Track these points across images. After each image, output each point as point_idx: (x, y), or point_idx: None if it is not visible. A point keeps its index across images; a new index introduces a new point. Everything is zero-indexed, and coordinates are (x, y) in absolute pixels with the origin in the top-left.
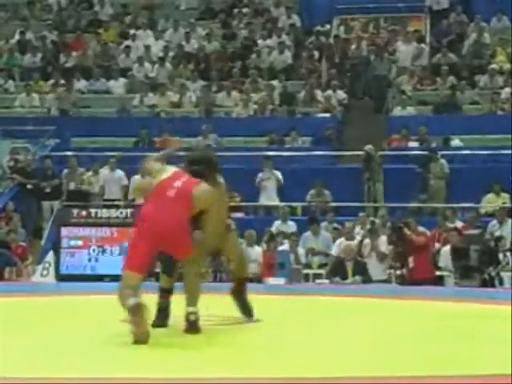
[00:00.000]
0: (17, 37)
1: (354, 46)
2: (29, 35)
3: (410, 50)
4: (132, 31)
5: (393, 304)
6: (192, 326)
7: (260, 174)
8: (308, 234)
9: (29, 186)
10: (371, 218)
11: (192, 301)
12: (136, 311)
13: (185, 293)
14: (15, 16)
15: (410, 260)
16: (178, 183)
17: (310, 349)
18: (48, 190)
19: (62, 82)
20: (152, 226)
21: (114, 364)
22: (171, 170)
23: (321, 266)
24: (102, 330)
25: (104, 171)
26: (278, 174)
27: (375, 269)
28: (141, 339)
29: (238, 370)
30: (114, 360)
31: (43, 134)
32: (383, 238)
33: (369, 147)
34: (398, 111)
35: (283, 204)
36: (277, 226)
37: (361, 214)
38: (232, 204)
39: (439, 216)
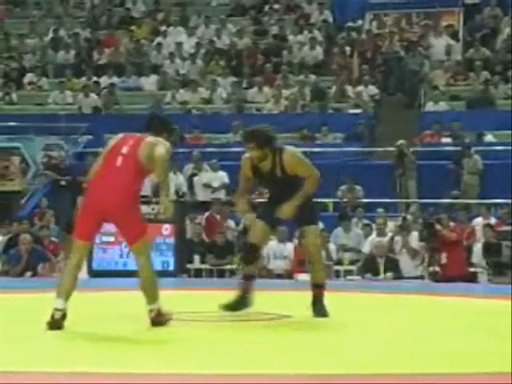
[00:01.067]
0: (50, 34)
1: (386, 42)
2: (62, 33)
3: (442, 45)
4: (164, 28)
5: (425, 301)
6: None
7: None
8: (339, 230)
9: (62, 183)
10: (403, 214)
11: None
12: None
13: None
14: (49, 14)
15: (443, 256)
16: (124, 149)
17: (342, 345)
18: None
19: (95, 79)
20: (96, 198)
21: (146, 358)
22: (120, 135)
23: (352, 263)
24: (133, 326)
25: None
26: None
27: (407, 265)
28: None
29: (276, 366)
30: (147, 354)
31: (76, 131)
32: (415, 235)
33: (401, 143)
34: (430, 106)
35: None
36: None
37: (379, 210)
38: (263, 200)
39: (462, 211)
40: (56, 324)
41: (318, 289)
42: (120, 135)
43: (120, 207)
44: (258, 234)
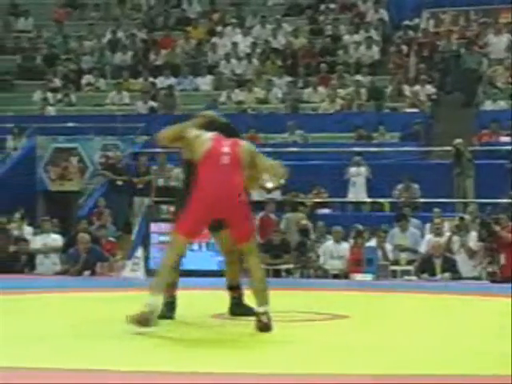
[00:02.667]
0: (108, 36)
1: (443, 40)
2: (120, 34)
3: (503, 42)
4: (219, 28)
5: (481, 301)
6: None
7: (350, 170)
8: (396, 230)
9: (119, 183)
10: (460, 214)
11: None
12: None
13: (256, 290)
14: (107, 16)
15: (502, 257)
16: (225, 149)
17: (396, 346)
18: (140, 186)
19: (151, 80)
20: (210, 195)
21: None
22: (209, 134)
23: (409, 263)
24: (192, 325)
25: None
26: (367, 169)
27: (465, 265)
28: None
29: (327, 367)
30: (202, 354)
31: (133, 131)
32: (473, 235)
33: (458, 142)
34: (488, 105)
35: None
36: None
37: (436, 210)
38: (319, 200)
39: None
40: (149, 320)
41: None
42: (208, 134)
43: (234, 205)
44: None
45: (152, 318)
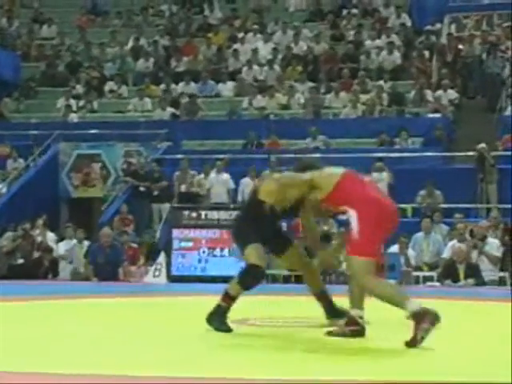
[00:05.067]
0: (130, 43)
1: (466, 45)
2: (142, 41)
3: None
4: (241, 34)
5: (504, 307)
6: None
7: (372, 175)
8: (419, 235)
9: (141, 189)
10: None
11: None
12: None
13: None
14: (129, 23)
15: None
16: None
17: (419, 353)
18: (156, 193)
19: (173, 86)
20: (385, 211)
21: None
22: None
23: (432, 269)
24: (213, 331)
25: (211, 174)
26: (389, 175)
27: (488, 271)
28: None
29: (351, 373)
30: (224, 359)
31: (155, 138)
32: (496, 240)
33: (481, 147)
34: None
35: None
36: None
37: (458, 215)
38: None
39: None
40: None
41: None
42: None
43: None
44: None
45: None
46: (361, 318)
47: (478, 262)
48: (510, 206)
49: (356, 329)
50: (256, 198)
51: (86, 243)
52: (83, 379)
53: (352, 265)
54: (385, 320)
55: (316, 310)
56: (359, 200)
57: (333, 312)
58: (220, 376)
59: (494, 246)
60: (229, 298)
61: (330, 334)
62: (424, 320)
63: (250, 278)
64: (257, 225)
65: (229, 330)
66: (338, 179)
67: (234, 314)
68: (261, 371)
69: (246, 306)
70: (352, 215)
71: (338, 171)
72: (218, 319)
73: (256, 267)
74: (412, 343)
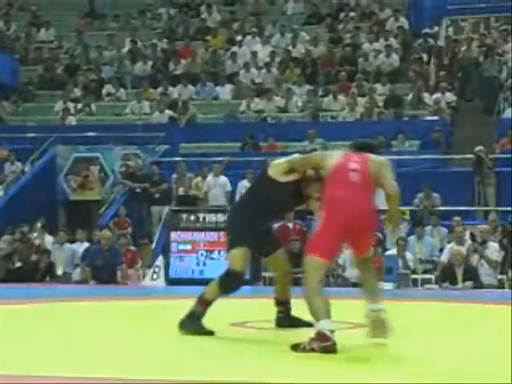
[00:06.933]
0: (128, 46)
1: (463, 48)
2: (140, 44)
3: None
4: (239, 37)
5: (503, 310)
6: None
7: None
8: (413, 238)
9: (137, 190)
10: (480, 223)
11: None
12: (326, 341)
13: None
14: (127, 26)
15: None
16: (354, 165)
17: (417, 356)
18: (157, 196)
19: (171, 89)
20: (344, 213)
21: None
22: (337, 153)
23: (426, 272)
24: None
25: (209, 177)
26: None
27: (487, 274)
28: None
29: (349, 377)
30: (221, 363)
31: (153, 140)
32: (494, 243)
33: (479, 149)
34: (509, 113)
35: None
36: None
37: (456, 218)
38: None
39: None
40: (334, 347)
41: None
42: (337, 153)
43: (366, 223)
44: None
45: (332, 338)
46: (377, 311)
47: (478, 265)
48: (508, 208)
49: (326, 345)
50: (265, 176)
51: (84, 245)
52: (80, 381)
53: (304, 262)
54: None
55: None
56: (329, 198)
57: (286, 322)
58: (219, 380)
59: (493, 250)
60: (205, 303)
61: (295, 348)
62: (321, 341)
63: (231, 284)
64: (254, 217)
65: (210, 332)
66: (332, 168)
67: (232, 318)
68: (258, 375)
69: (244, 309)
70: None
71: (337, 160)
72: (194, 325)
73: (238, 273)
74: (295, 347)
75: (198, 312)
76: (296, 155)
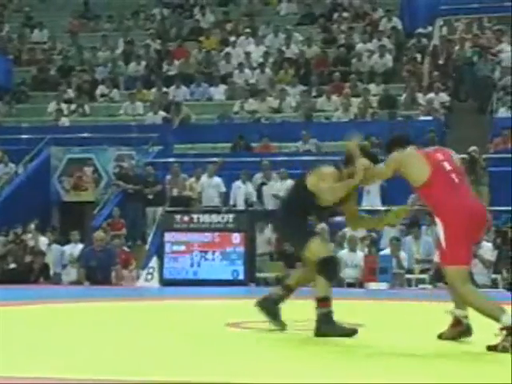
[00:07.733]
0: (122, 47)
1: (457, 48)
2: (133, 45)
3: None
4: (233, 38)
5: None
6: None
7: None
8: (409, 238)
9: (130, 191)
10: None
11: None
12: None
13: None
14: (120, 27)
15: None
16: (446, 164)
17: (411, 355)
18: (151, 197)
19: (165, 90)
20: (466, 217)
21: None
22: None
23: (423, 271)
24: (207, 334)
25: (203, 177)
26: None
27: (481, 274)
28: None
29: (343, 376)
30: (218, 364)
31: (147, 141)
32: (488, 243)
33: (473, 149)
34: (503, 112)
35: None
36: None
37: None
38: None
39: None
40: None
41: None
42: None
43: (485, 217)
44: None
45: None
46: (465, 317)
47: (472, 265)
48: (501, 208)
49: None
50: (304, 192)
51: (79, 246)
52: (78, 382)
53: (447, 274)
54: (381, 324)
55: (312, 313)
56: (446, 207)
57: (265, 302)
58: (214, 380)
59: (487, 249)
60: (324, 301)
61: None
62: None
63: (332, 269)
64: (302, 220)
65: (354, 331)
66: (429, 173)
67: (229, 318)
68: (256, 375)
69: (240, 309)
70: (438, 223)
71: (420, 156)
72: (331, 326)
73: (329, 257)
74: (492, 349)
75: (327, 311)
76: (381, 165)
